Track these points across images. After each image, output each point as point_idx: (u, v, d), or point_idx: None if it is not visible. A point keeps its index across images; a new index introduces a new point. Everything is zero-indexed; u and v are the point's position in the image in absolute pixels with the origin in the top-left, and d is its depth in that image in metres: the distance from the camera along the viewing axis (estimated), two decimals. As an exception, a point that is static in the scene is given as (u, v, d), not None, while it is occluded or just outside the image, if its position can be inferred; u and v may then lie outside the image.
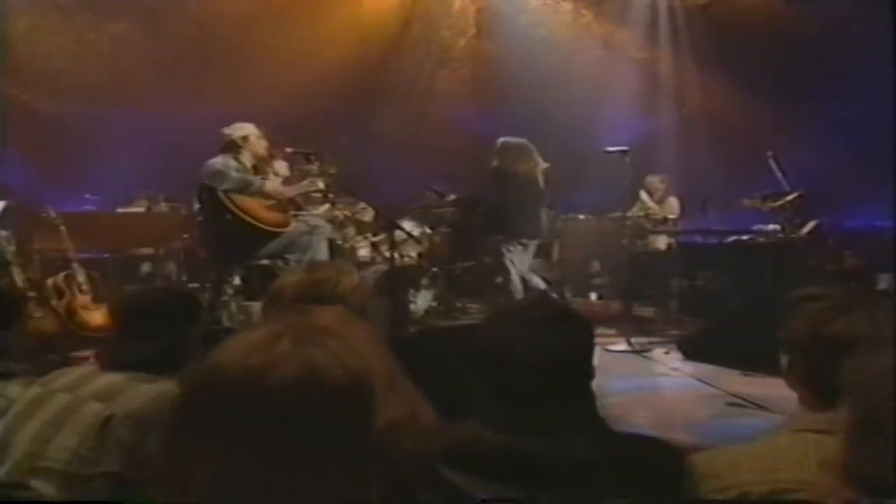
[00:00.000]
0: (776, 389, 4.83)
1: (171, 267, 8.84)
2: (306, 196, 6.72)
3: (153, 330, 2.42)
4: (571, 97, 10.47)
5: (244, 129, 6.20)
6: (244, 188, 5.97)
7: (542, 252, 9.05)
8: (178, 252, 8.53)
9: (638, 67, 11.04)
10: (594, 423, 1.87)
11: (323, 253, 6.28)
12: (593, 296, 9.03)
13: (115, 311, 2.57)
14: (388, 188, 9.01)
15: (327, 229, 6.48)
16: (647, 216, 8.91)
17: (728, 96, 10.17)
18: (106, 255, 7.85)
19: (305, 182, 6.42)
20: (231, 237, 5.94)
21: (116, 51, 9.95)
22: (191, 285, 8.79)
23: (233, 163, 6.04)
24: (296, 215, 6.31)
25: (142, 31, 10.05)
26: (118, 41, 10.02)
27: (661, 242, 8.86)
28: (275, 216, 6.08)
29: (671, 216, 8.96)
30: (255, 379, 0.98)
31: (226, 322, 5.62)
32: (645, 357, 6.44)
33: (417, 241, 7.62)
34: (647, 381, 5.64)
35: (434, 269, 8.60)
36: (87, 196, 8.71)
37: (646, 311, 8.31)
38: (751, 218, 8.37)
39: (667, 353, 6.47)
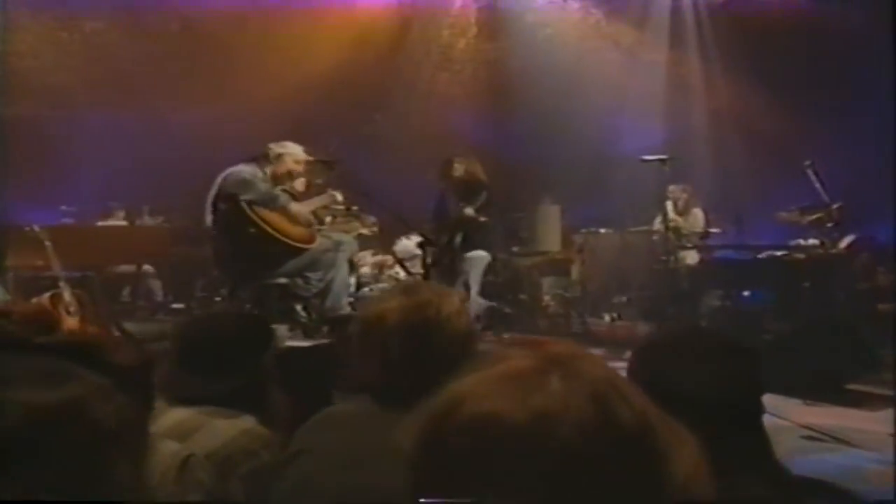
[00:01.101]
0: (848, 420, 4.91)
1: (157, 285, 8.66)
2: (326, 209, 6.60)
3: (227, 362, 2.33)
4: (580, 102, 10.30)
5: (287, 148, 6.13)
6: (269, 202, 5.89)
7: (561, 269, 8.98)
8: (165, 269, 8.35)
9: (652, 70, 10.89)
10: (770, 465, 1.76)
11: (345, 271, 6.22)
12: (607, 317, 8.87)
13: (178, 339, 2.44)
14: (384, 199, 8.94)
15: (352, 245, 6.39)
16: (670, 229, 8.50)
17: (752, 99, 10.04)
18: (87, 273, 7.61)
19: (325, 195, 6.34)
20: (252, 252, 5.84)
21: (92, 50, 9.71)
22: (175, 306, 8.67)
23: (259, 173, 5.97)
24: (319, 230, 6.25)
25: (119, 28, 9.79)
26: (94, 39, 9.79)
27: (691, 259, 8.60)
28: (300, 231, 6.01)
29: (696, 229, 8.73)
30: (546, 425, 0.88)
31: None
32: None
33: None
34: (704, 411, 5.32)
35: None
36: (63, 208, 8.49)
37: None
38: (785, 232, 8.32)
39: (712, 379, 6.21)
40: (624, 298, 8.82)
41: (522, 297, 8.88)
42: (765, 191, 9.00)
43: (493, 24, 11.19)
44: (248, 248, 5.82)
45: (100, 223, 8.67)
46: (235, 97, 9.64)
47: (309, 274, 6.02)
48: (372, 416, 1.92)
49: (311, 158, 6.18)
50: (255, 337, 2.46)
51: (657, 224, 8.67)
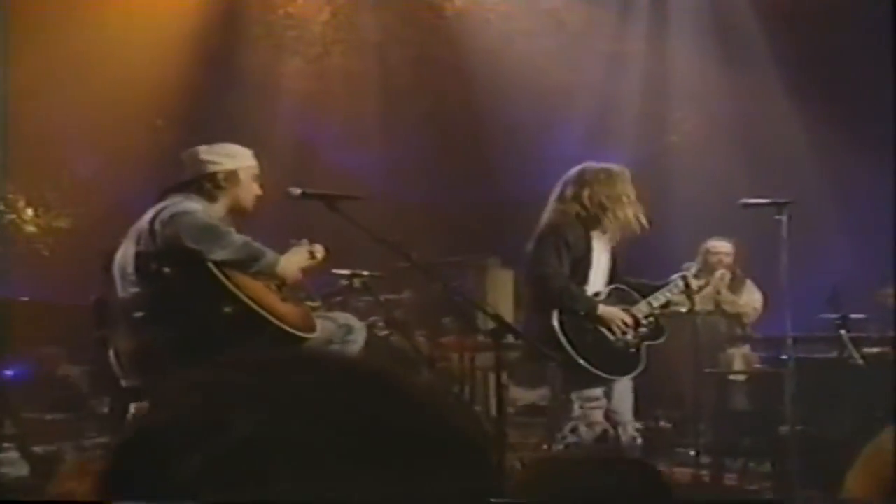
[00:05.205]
0: None
1: None
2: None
3: None
4: (506, 111, 9.66)
5: (235, 159, 5.18)
6: (247, 262, 4.98)
7: (538, 374, 7.71)
8: None
9: (615, 64, 10.18)
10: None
11: None
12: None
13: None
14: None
15: (363, 333, 5.44)
16: (721, 311, 7.71)
17: (763, 107, 9.54)
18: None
19: (300, 248, 5.27)
20: (221, 346, 4.77)
21: None
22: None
23: (210, 210, 5.08)
24: (313, 308, 5.42)
25: None
26: None
27: (749, 358, 7.92)
28: (292, 310, 5.09)
29: (750, 313, 7.92)
30: None
31: None
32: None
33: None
34: None
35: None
36: None
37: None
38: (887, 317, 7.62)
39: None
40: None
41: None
42: (853, 258, 8.77)
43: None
44: (216, 340, 4.85)
45: None
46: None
47: None
48: None
49: (298, 191, 5.17)
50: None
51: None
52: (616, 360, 5.80)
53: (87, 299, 7.21)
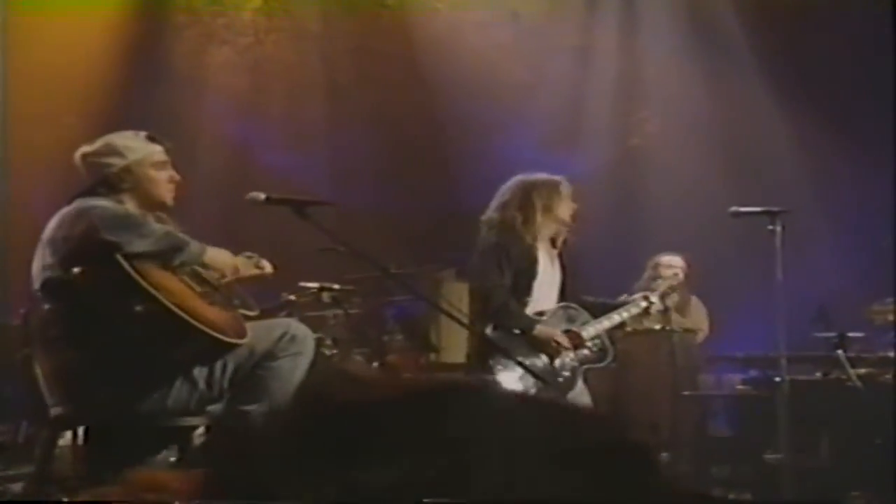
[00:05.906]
0: None
1: None
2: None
3: None
4: (456, 108, 9.37)
5: (125, 155, 4.74)
6: (171, 253, 4.65)
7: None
8: None
9: (576, 59, 9.81)
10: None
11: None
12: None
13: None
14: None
15: (310, 343, 4.85)
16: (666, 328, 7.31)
17: (745, 112, 9.21)
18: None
19: (242, 257, 4.96)
20: (142, 354, 4.60)
21: None
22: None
23: (121, 208, 4.72)
24: (247, 316, 4.93)
25: None
26: None
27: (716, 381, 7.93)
28: (219, 315, 4.66)
29: (700, 331, 7.85)
30: None
31: None
32: None
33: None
34: None
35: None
36: None
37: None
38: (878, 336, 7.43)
39: None
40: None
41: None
42: (838, 272, 8.62)
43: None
44: (137, 349, 4.54)
45: None
46: None
47: (245, 406, 4.69)
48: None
49: (262, 197, 4.75)
50: None
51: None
52: (545, 382, 5.65)
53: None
